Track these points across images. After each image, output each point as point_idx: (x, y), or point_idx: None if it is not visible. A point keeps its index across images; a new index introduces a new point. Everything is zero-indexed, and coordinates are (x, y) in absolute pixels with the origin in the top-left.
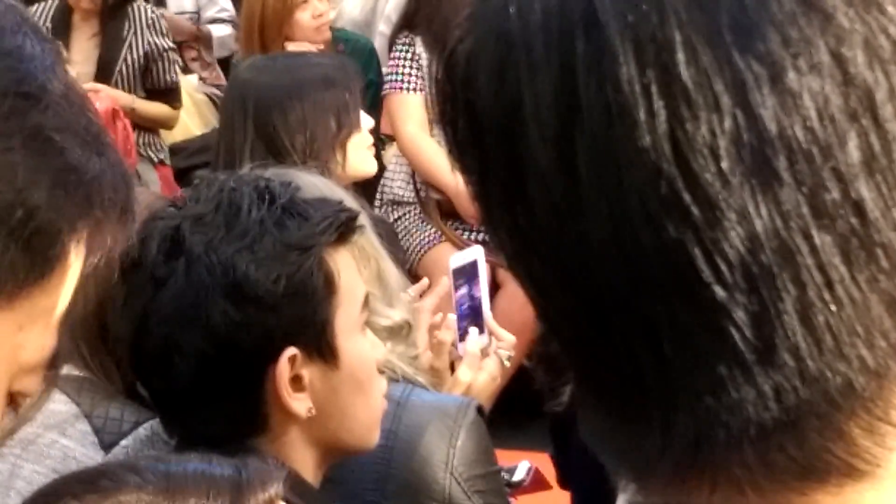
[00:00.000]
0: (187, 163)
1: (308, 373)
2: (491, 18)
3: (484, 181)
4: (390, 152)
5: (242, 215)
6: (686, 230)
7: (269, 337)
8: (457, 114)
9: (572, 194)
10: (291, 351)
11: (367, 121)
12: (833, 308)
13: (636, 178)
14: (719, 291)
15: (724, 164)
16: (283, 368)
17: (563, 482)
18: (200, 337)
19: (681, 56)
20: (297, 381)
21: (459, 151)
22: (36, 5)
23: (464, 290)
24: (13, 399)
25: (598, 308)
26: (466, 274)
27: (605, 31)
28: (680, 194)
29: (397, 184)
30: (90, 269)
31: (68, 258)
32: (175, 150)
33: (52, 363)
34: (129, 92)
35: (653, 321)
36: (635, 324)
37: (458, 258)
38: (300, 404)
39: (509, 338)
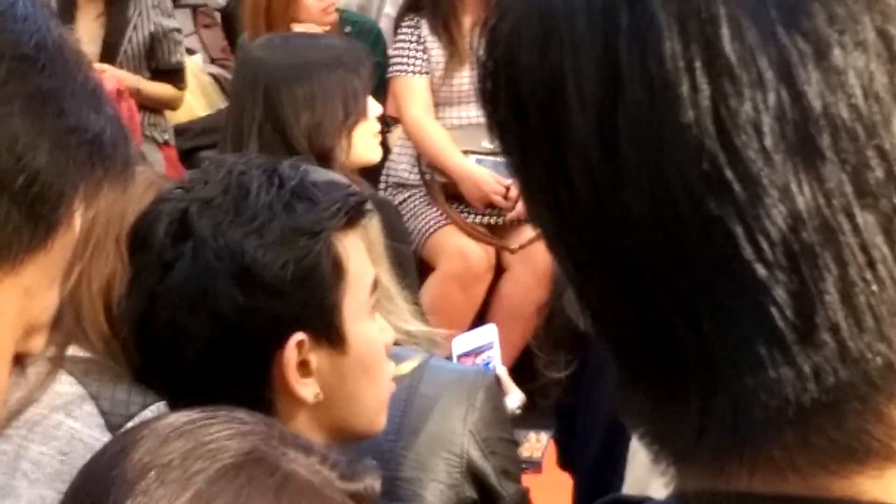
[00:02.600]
0: (192, 144)
1: (316, 358)
2: None
3: (524, 158)
4: (395, 135)
5: (251, 199)
6: (727, 207)
7: (277, 322)
8: (498, 90)
9: (613, 170)
10: (299, 336)
11: (374, 108)
12: (875, 288)
13: (678, 154)
14: (760, 269)
15: (768, 141)
16: (291, 354)
17: (564, 464)
18: (207, 321)
19: (725, 31)
20: (304, 367)
21: (500, 129)
22: None
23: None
24: (19, 359)
25: (638, 286)
26: (472, 353)
27: (649, 5)
28: (722, 171)
29: (402, 167)
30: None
31: (72, 219)
32: (179, 130)
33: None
34: (134, 73)
35: (692, 299)
36: (674, 302)
37: (464, 342)
38: (307, 389)
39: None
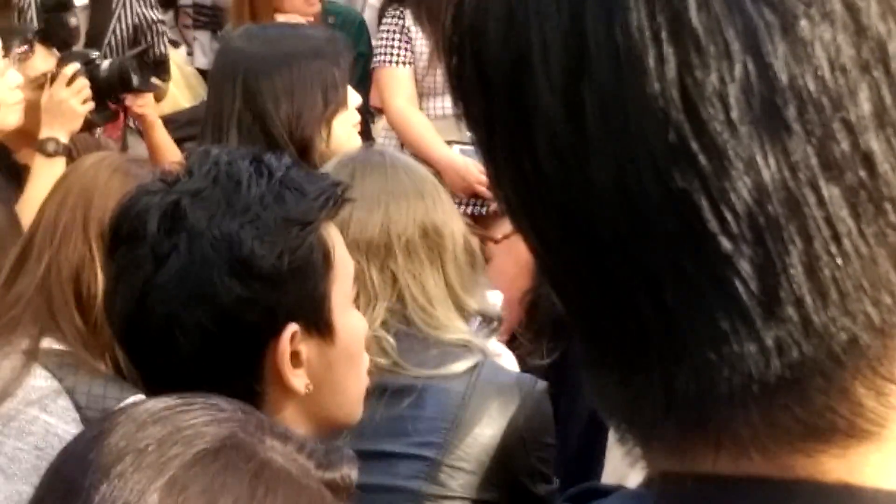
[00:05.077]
0: (176, 135)
1: (306, 349)
2: None
3: (489, 131)
4: (379, 125)
5: (242, 189)
6: (693, 179)
7: (272, 313)
8: (463, 63)
9: (579, 142)
10: (293, 327)
11: (354, 98)
12: (839, 262)
13: (644, 126)
14: (725, 242)
15: (734, 113)
16: (286, 345)
17: None
18: (203, 313)
19: (692, 2)
20: (295, 357)
21: (465, 102)
22: None
23: None
24: None
25: (602, 259)
26: None
27: None
28: (688, 143)
29: None
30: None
31: None
32: (164, 122)
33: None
34: None
35: (656, 272)
36: (639, 275)
37: None
38: (299, 381)
39: None
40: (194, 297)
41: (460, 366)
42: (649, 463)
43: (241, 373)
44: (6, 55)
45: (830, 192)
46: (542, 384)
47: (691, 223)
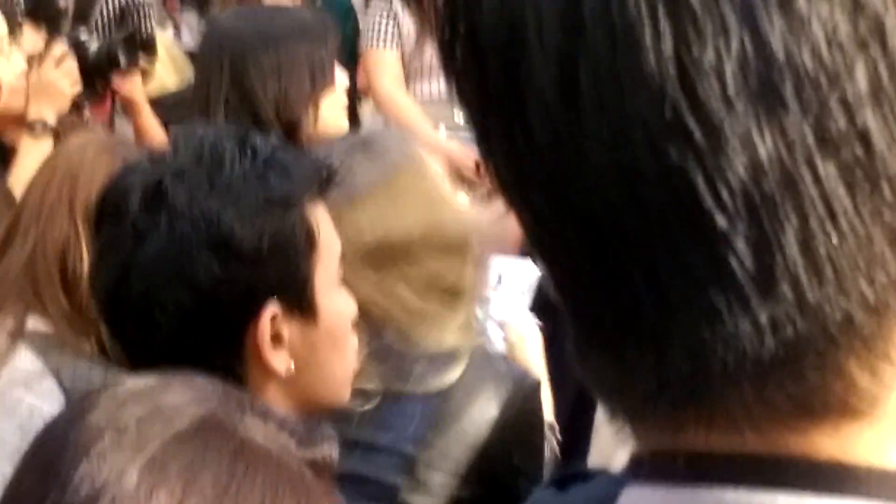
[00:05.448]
0: (163, 117)
1: (288, 329)
2: None
3: (483, 106)
4: (366, 108)
5: (225, 169)
6: (688, 155)
7: (252, 293)
8: (456, 38)
9: (573, 118)
10: (274, 308)
11: (341, 79)
12: (835, 240)
13: (639, 102)
14: (720, 219)
15: (730, 89)
16: (265, 326)
17: None
18: (182, 292)
19: None
20: (276, 339)
21: (457, 77)
22: None
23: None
24: None
25: (596, 236)
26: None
27: None
28: (684, 119)
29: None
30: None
31: None
32: (151, 104)
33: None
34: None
35: (650, 249)
36: (632, 252)
37: (508, 270)
38: (280, 361)
39: None
40: (173, 276)
41: (446, 378)
42: (640, 440)
43: (222, 352)
44: (14, 40)
45: (826, 169)
46: (532, 380)
47: (686, 200)
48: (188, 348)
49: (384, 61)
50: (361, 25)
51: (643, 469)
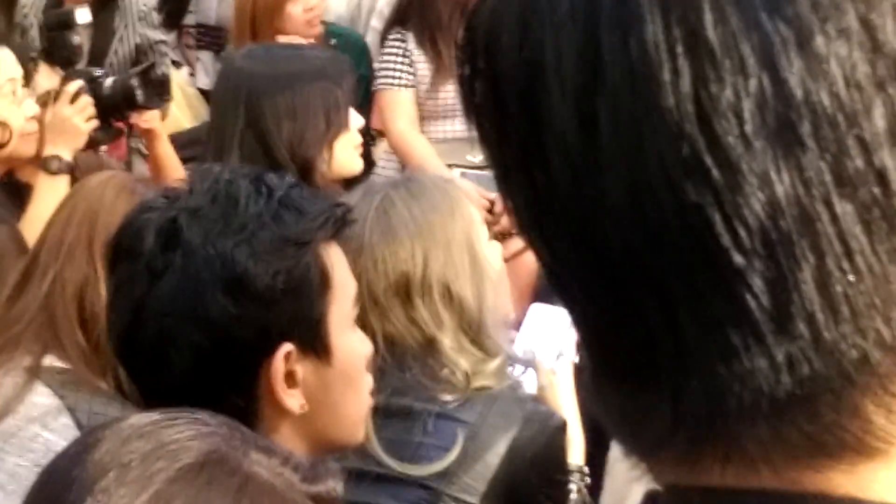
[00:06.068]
0: (178, 156)
1: (302, 369)
2: None
3: (501, 143)
4: (380, 148)
5: (240, 208)
6: (706, 193)
7: (266, 332)
8: (476, 74)
9: (592, 154)
10: (287, 347)
11: (356, 120)
12: (851, 278)
13: (657, 139)
14: (737, 257)
15: (748, 128)
16: (279, 364)
17: None
18: (197, 331)
19: (708, 16)
20: (290, 377)
21: (477, 114)
22: None
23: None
24: None
25: (613, 273)
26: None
27: None
28: (701, 157)
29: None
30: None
31: None
32: None
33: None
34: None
35: (668, 286)
36: (650, 289)
37: (543, 318)
38: (293, 400)
39: None
40: (187, 315)
41: (471, 411)
42: (656, 476)
43: (235, 391)
44: (27, 84)
45: (844, 208)
46: (557, 418)
47: (703, 237)
48: (202, 387)
49: (398, 101)
50: (376, 65)
51: None
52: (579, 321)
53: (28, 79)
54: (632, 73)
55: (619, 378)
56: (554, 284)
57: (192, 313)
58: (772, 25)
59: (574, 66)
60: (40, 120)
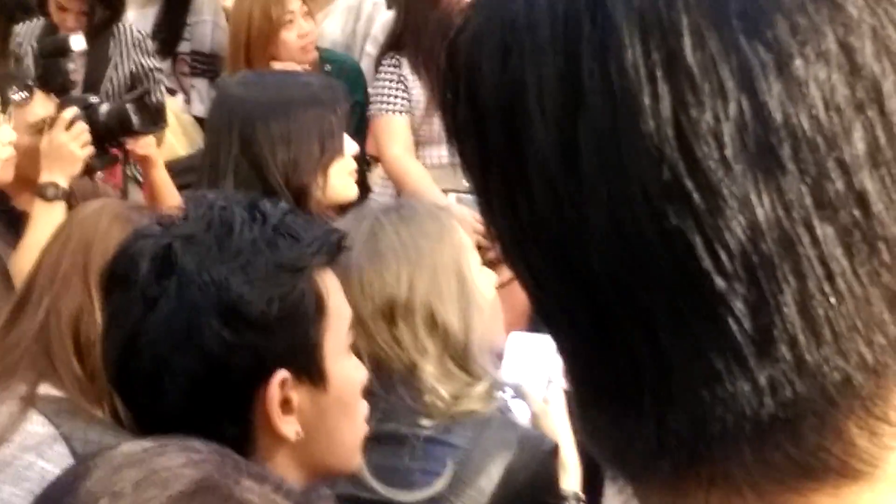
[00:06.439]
0: (174, 183)
1: (297, 395)
2: (496, 2)
3: (484, 169)
4: (376, 174)
5: (234, 235)
6: (687, 217)
7: (262, 359)
8: (458, 100)
9: (573, 179)
10: (283, 374)
11: (350, 146)
12: (833, 301)
13: (638, 164)
14: (718, 281)
15: (728, 151)
16: (275, 391)
17: None
18: (192, 358)
19: (687, 40)
20: (286, 404)
21: (459, 139)
22: (21, 25)
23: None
24: None
25: (596, 297)
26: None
27: (611, 14)
28: (682, 181)
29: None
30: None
31: None
32: None
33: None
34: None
35: (650, 310)
36: (632, 313)
37: (522, 346)
38: (289, 427)
39: None
40: (182, 342)
41: (461, 435)
42: (642, 500)
43: (230, 418)
44: (3, 109)
45: (824, 231)
46: (549, 443)
47: (685, 261)
48: (197, 415)
49: (394, 127)
50: (371, 91)
51: None
52: (564, 347)
53: (5, 105)
54: (612, 97)
55: (603, 403)
56: (538, 310)
57: (188, 340)
58: (751, 49)
59: (554, 91)
60: (36, 148)
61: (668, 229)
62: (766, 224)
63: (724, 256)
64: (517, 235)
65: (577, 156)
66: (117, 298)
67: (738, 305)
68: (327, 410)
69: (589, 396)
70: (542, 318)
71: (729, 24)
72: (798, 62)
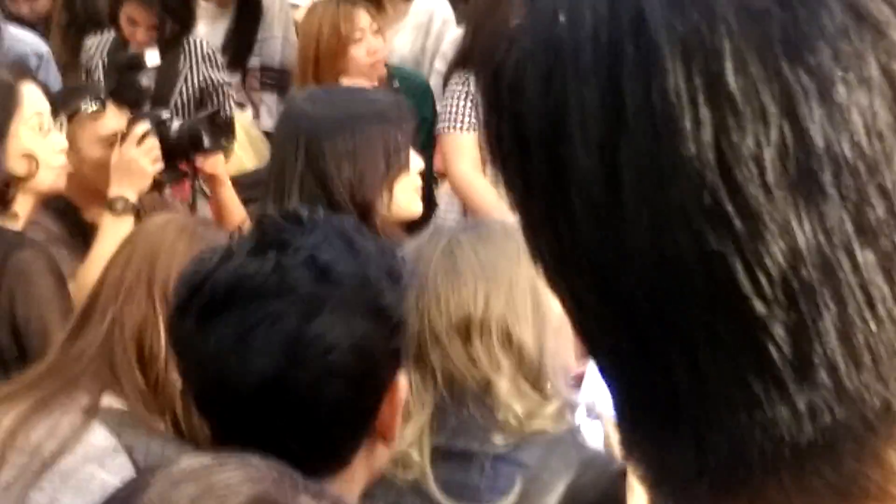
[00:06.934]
0: (241, 197)
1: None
2: (540, 27)
3: (526, 192)
4: (442, 190)
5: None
6: (727, 242)
7: (398, 361)
8: (502, 123)
9: (614, 203)
10: (403, 377)
11: (416, 162)
12: (873, 327)
13: (679, 188)
14: (759, 306)
15: (769, 177)
16: (403, 393)
17: None
18: (355, 362)
19: (729, 65)
20: None
21: (503, 163)
22: (91, 39)
23: None
24: None
25: (635, 320)
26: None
27: (653, 39)
28: (723, 205)
29: (450, 222)
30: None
31: None
32: None
33: (94, 393)
34: None
35: (690, 334)
36: (672, 336)
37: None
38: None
39: None
40: (346, 347)
41: (531, 454)
42: None
43: (363, 421)
44: (57, 116)
45: (865, 257)
46: (618, 464)
47: (725, 286)
48: (344, 420)
49: (461, 144)
50: (439, 108)
51: None
52: (605, 370)
53: (55, 114)
54: (654, 122)
55: (644, 425)
56: (580, 334)
57: (351, 345)
58: (793, 74)
59: (597, 115)
60: (106, 161)
61: (708, 253)
62: (806, 249)
63: (764, 281)
64: (559, 259)
65: (619, 180)
66: (257, 311)
67: (778, 330)
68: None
69: (631, 419)
70: (584, 341)
71: (771, 49)
72: (840, 88)
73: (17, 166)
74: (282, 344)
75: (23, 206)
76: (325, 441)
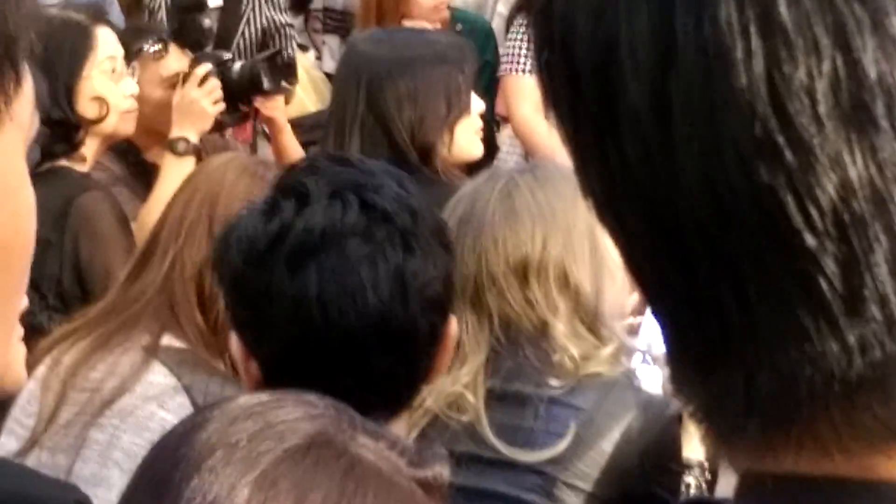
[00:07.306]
0: (302, 139)
1: None
2: None
3: (577, 124)
4: (504, 134)
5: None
6: (778, 174)
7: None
8: (553, 55)
9: (664, 134)
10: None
11: (477, 104)
12: None
13: (730, 120)
14: (809, 238)
15: (821, 108)
16: (455, 328)
17: None
18: (444, 294)
19: None
20: None
21: (554, 97)
22: None
23: None
24: None
25: (685, 252)
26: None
27: None
28: (774, 137)
29: (511, 165)
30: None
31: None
32: (290, 125)
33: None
34: None
35: (739, 266)
36: (721, 268)
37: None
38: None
39: None
40: (440, 278)
41: (586, 397)
42: (731, 461)
43: (428, 357)
44: (130, 60)
45: None
46: (673, 408)
47: (776, 218)
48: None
49: (523, 87)
50: (501, 51)
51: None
52: (656, 307)
53: (129, 59)
54: (705, 53)
55: (694, 363)
56: (628, 266)
57: (442, 279)
58: (846, 6)
59: (648, 47)
60: (168, 101)
61: (758, 185)
62: (858, 182)
63: (815, 214)
64: (608, 189)
65: (669, 111)
66: (354, 246)
67: (829, 263)
68: None
69: (681, 356)
70: (633, 274)
71: None
72: (893, 19)
73: (87, 109)
74: (388, 280)
75: (90, 149)
76: (402, 376)
